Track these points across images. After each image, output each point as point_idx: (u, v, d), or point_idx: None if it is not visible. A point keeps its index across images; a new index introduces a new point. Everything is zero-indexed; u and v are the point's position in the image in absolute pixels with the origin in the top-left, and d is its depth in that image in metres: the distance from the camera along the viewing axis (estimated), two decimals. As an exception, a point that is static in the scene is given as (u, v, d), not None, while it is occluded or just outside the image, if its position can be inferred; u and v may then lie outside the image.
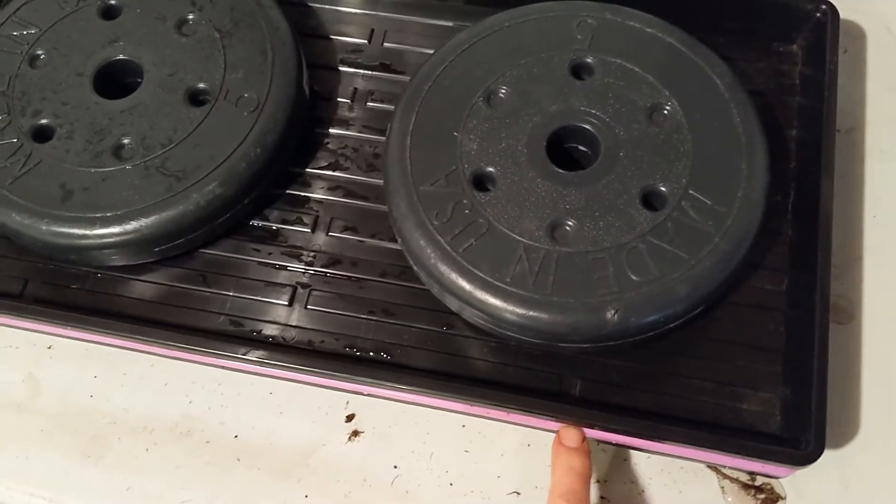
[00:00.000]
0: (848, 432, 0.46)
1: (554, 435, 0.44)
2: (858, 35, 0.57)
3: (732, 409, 0.44)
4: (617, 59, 0.49)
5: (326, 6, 0.57)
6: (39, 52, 0.52)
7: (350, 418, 0.48)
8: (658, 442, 0.43)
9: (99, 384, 0.50)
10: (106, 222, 0.46)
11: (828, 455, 0.45)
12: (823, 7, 0.52)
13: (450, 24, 0.56)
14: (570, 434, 0.43)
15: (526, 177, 0.46)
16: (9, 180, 0.48)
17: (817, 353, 0.42)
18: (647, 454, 0.46)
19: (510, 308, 0.43)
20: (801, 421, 0.42)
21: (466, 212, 0.45)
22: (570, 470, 0.42)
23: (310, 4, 0.57)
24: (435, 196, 0.46)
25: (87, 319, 0.47)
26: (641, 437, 0.43)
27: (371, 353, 0.47)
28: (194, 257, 0.50)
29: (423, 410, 0.48)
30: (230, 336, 0.47)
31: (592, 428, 0.43)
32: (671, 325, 0.44)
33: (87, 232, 0.46)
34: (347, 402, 0.48)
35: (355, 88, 0.54)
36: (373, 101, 0.54)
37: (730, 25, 0.53)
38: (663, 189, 0.45)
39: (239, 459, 0.47)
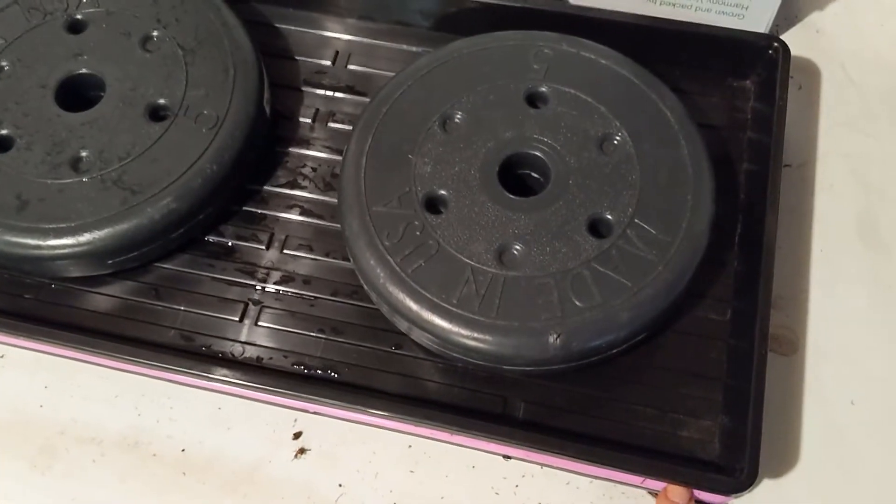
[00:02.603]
0: (787, 462, 0.47)
1: (496, 456, 0.45)
2: (813, 72, 0.59)
3: (672, 436, 0.45)
4: (571, 90, 0.50)
5: (293, 27, 0.58)
6: (3, 63, 0.52)
7: (297, 436, 0.48)
8: (596, 466, 0.43)
9: (49, 394, 0.50)
10: (60, 233, 0.47)
11: (766, 484, 0.46)
12: (776, 45, 0.53)
13: (414, 48, 0.57)
14: (678, 492, 0.43)
15: (477, 201, 0.47)
16: (-35, 189, 0.48)
17: (755, 382, 0.43)
18: (589, 479, 0.47)
19: (456, 330, 0.44)
20: (737, 449, 0.42)
21: (417, 233, 0.46)
22: None
23: (276, 25, 0.58)
24: (387, 217, 0.47)
25: (38, 329, 0.47)
26: (580, 461, 0.43)
27: (319, 371, 0.47)
28: (148, 271, 0.50)
29: (369, 430, 0.48)
30: (180, 350, 0.47)
31: (532, 451, 0.43)
32: (614, 352, 0.44)
33: (41, 242, 0.47)
34: (295, 420, 0.49)
35: (317, 109, 0.55)
36: (334, 121, 0.55)
37: (685, 59, 0.55)
38: (610, 217, 0.46)
39: (185, 473, 0.48)
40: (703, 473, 0.42)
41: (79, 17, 0.54)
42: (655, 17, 0.54)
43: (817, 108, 0.58)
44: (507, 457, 0.47)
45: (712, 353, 0.47)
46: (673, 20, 0.55)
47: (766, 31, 0.55)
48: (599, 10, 0.54)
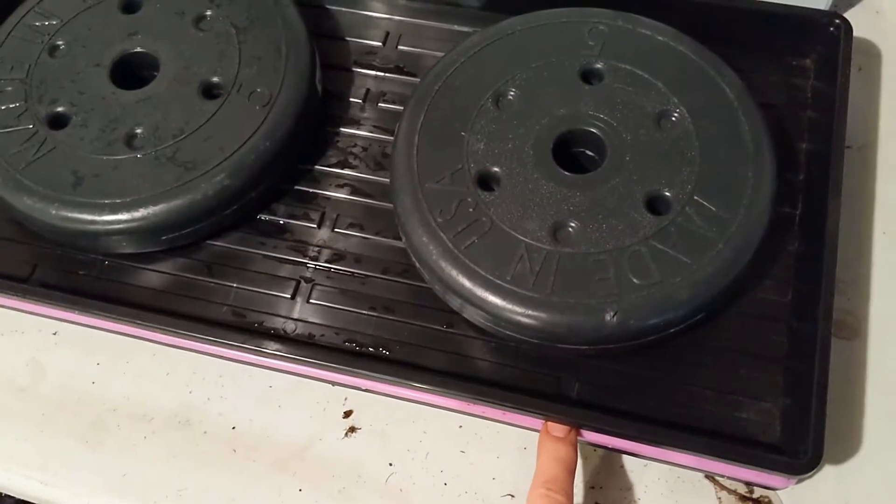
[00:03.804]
0: (849, 448, 0.46)
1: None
2: (874, 53, 0.57)
3: (731, 418, 0.44)
4: (627, 66, 0.49)
5: (343, 9, 0.58)
6: (59, 42, 0.53)
7: (347, 414, 0.48)
8: (654, 446, 0.42)
9: (101, 371, 0.50)
10: (115, 209, 0.47)
11: (827, 470, 0.45)
12: (837, 22, 0.51)
13: (465, 28, 0.56)
14: (559, 427, 0.43)
15: (531, 178, 0.46)
16: (22, 165, 0.49)
17: (818, 364, 0.42)
18: (644, 462, 0.46)
19: (510, 307, 0.43)
20: (800, 431, 0.41)
21: (470, 210, 0.46)
22: (555, 459, 0.42)
23: (327, 7, 0.58)
24: (440, 194, 0.46)
25: (91, 304, 0.47)
26: (638, 441, 0.42)
27: (371, 349, 0.47)
28: (200, 248, 0.50)
29: (420, 409, 0.48)
30: (232, 326, 0.47)
31: (589, 430, 0.43)
32: (671, 331, 0.43)
33: (96, 217, 0.47)
34: (346, 398, 0.48)
35: (368, 89, 0.55)
36: (384, 102, 0.54)
37: (743, 38, 0.53)
38: (668, 194, 0.45)
39: (235, 451, 0.47)
40: (767, 455, 0.40)
41: (134, -6, 0.54)
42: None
43: (878, 89, 0.56)
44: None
45: (772, 335, 0.45)
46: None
47: (827, 9, 0.54)
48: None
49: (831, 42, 0.52)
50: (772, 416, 0.44)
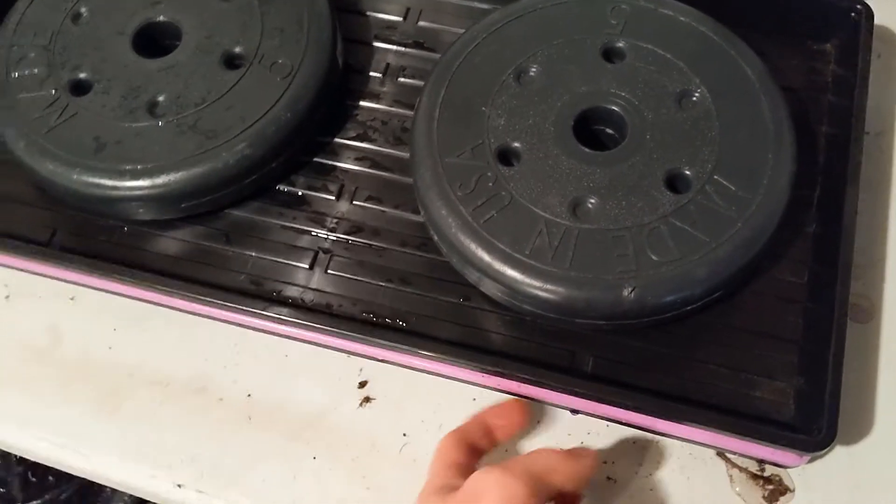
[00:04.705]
0: (861, 430, 0.46)
1: (562, 412, 0.44)
2: (893, 41, 0.57)
3: (745, 396, 0.44)
4: (649, 45, 0.49)
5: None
6: (83, 9, 0.53)
7: (363, 385, 0.48)
8: (668, 421, 0.43)
9: (118, 337, 0.51)
10: (136, 175, 0.47)
11: (838, 451, 0.45)
12: (858, 7, 0.52)
13: (485, 6, 0.56)
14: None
15: (551, 154, 0.46)
16: (44, 130, 0.49)
17: (834, 345, 0.42)
18: (656, 438, 0.46)
19: (528, 280, 0.43)
20: (813, 410, 0.41)
21: (490, 184, 0.46)
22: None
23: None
24: (460, 168, 0.46)
25: (110, 268, 0.47)
26: (651, 415, 0.43)
27: (388, 320, 0.47)
28: (220, 217, 0.50)
29: (435, 381, 0.48)
30: (250, 294, 0.48)
31: (603, 403, 0.43)
32: (688, 308, 0.44)
33: (117, 183, 0.47)
34: (361, 369, 0.49)
35: (388, 64, 0.55)
36: (404, 76, 0.55)
37: (764, 21, 0.54)
38: (688, 172, 0.45)
39: (250, 418, 0.48)
40: (780, 432, 0.41)
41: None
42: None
43: (896, 77, 0.56)
44: (574, 411, 0.46)
45: (789, 316, 0.46)
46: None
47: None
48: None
49: (852, 28, 0.52)
50: (786, 395, 0.44)
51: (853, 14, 0.52)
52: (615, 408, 0.43)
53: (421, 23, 0.56)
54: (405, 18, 0.57)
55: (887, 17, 0.57)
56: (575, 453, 0.40)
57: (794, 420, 0.43)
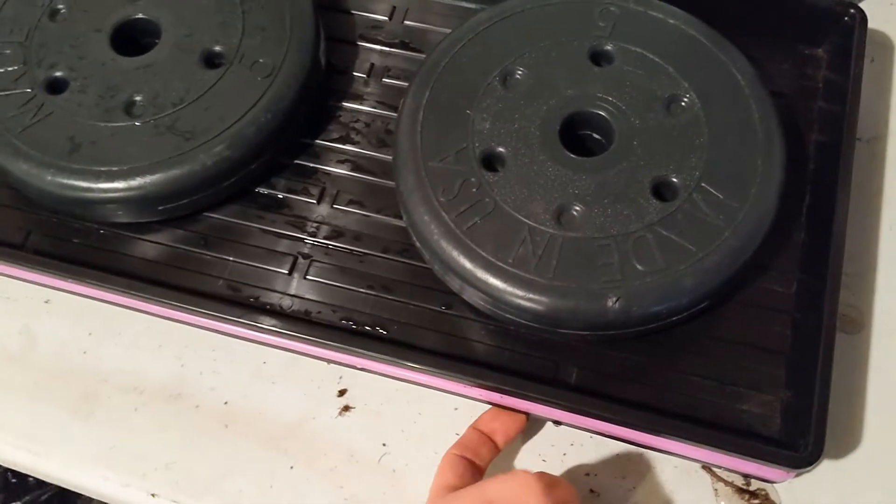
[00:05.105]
0: (849, 444, 0.45)
1: (547, 423, 0.43)
2: (887, 46, 0.56)
3: (731, 409, 0.43)
4: (637, 49, 0.48)
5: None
6: (60, 6, 0.52)
7: (342, 393, 0.47)
8: (652, 435, 0.42)
9: (93, 341, 0.49)
10: (111, 177, 0.46)
11: (826, 465, 0.44)
12: (852, 11, 0.51)
13: (472, 6, 0.55)
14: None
15: (536, 159, 0.45)
16: (19, 129, 0.48)
17: (822, 358, 0.41)
18: (640, 450, 0.45)
19: (510, 290, 0.42)
20: (800, 425, 0.41)
21: (473, 190, 0.45)
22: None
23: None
24: (443, 172, 0.45)
25: (85, 273, 0.46)
26: (636, 429, 0.42)
27: (367, 328, 0.46)
28: (198, 220, 0.49)
29: (415, 390, 0.47)
30: (227, 300, 0.47)
31: (587, 416, 0.42)
32: (674, 319, 0.43)
33: (92, 185, 0.46)
34: (340, 377, 0.48)
35: (372, 64, 0.54)
36: (389, 77, 0.53)
37: (755, 24, 0.53)
38: (675, 180, 0.44)
39: (227, 426, 0.47)
40: (766, 447, 0.40)
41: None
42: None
43: (890, 82, 0.55)
44: (557, 422, 0.45)
45: (776, 327, 0.45)
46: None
47: (843, -2, 0.53)
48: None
49: (845, 32, 0.51)
50: (773, 409, 0.43)
51: (847, 18, 0.51)
52: (598, 421, 0.42)
53: (407, 22, 0.55)
54: (391, 18, 0.55)
55: (882, 20, 0.56)
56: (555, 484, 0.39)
57: (781, 434, 0.42)
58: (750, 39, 0.52)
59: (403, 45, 0.55)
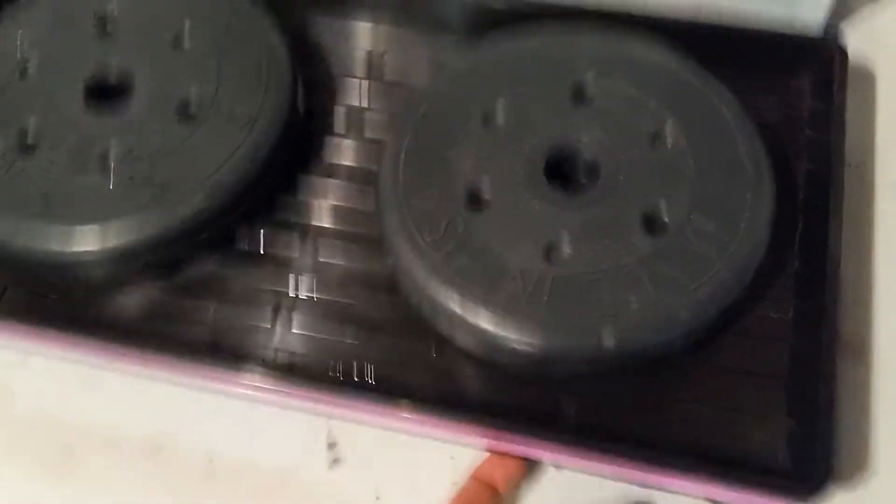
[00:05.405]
0: (857, 471, 0.44)
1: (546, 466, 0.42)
2: (868, 69, 0.56)
3: (734, 440, 0.42)
4: (620, 84, 0.48)
5: (328, 23, 0.56)
6: (30, 62, 0.51)
7: (332, 446, 0.46)
8: (658, 473, 0.40)
9: (72, 396, 0.48)
10: (86, 234, 0.45)
11: (835, 495, 0.43)
12: (832, 40, 0.51)
13: (452, 47, 0.55)
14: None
15: (522, 198, 0.45)
16: (-10, 188, 0.47)
17: (824, 385, 0.41)
18: (645, 490, 0.44)
19: (501, 329, 0.41)
20: (805, 454, 0.40)
21: (459, 230, 0.44)
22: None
23: (310, 22, 0.56)
24: (427, 214, 0.44)
25: (61, 336, 0.45)
26: (640, 469, 0.40)
27: (356, 378, 0.44)
28: (176, 272, 0.48)
29: (409, 440, 0.45)
30: (209, 354, 0.45)
31: (590, 459, 0.41)
32: (670, 351, 0.42)
33: (66, 244, 0.45)
34: (330, 427, 0.46)
35: (352, 107, 0.53)
36: (369, 121, 0.53)
37: (737, 57, 0.52)
38: (664, 214, 0.44)
39: (212, 480, 0.45)
40: (776, 479, 0.39)
41: (107, 14, 0.52)
42: (703, 14, 0.52)
43: (873, 105, 0.55)
44: (557, 466, 0.44)
45: (774, 355, 0.44)
46: (723, 17, 0.52)
47: (822, 21, 0.53)
48: (645, 6, 0.52)
49: (826, 61, 0.51)
50: (777, 438, 0.42)
51: (826, 48, 0.51)
52: (601, 462, 0.41)
53: (386, 65, 0.55)
54: (370, 61, 0.55)
55: (862, 44, 0.56)
56: None
57: (785, 465, 0.41)
58: (733, 72, 0.51)
59: (383, 88, 0.54)
